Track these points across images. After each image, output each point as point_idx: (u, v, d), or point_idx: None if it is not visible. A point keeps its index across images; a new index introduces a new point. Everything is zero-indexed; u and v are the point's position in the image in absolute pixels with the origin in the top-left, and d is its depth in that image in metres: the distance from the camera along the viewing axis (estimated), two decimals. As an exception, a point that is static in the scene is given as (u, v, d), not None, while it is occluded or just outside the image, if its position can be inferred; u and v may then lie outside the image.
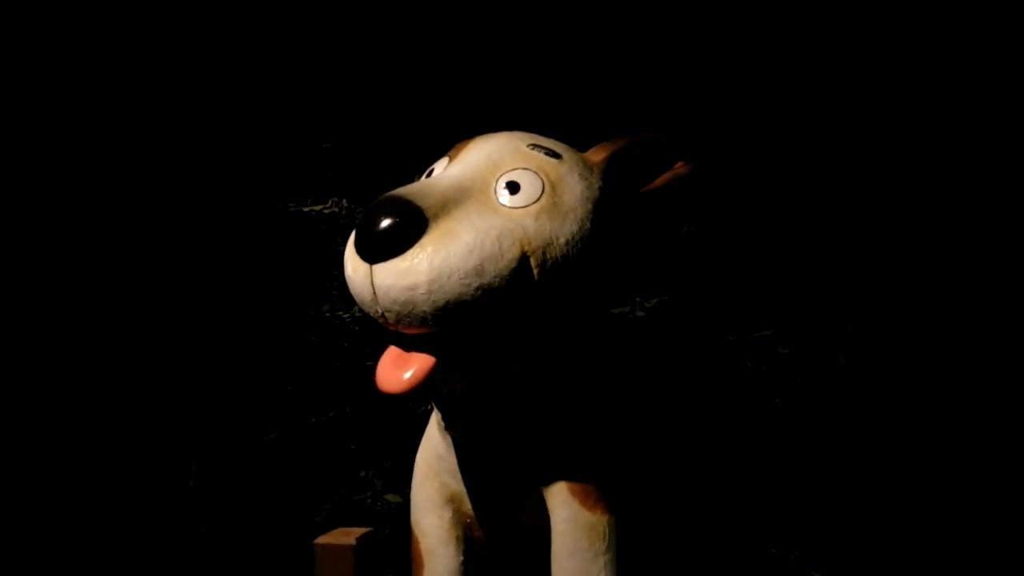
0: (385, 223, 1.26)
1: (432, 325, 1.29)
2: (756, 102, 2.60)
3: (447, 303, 1.26)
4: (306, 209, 2.78)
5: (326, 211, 2.75)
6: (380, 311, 1.30)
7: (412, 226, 1.26)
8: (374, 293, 1.28)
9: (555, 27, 2.77)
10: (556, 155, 1.44)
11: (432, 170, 1.48)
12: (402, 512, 2.22)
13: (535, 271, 1.33)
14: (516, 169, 1.39)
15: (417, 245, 1.25)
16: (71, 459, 2.89)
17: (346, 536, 1.74)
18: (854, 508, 2.30)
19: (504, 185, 1.37)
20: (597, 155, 1.50)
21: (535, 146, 1.44)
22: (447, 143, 1.55)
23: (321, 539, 1.76)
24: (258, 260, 2.94)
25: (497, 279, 1.28)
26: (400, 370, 1.32)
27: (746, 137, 2.54)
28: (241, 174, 2.98)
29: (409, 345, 1.33)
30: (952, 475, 2.35)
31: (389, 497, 2.57)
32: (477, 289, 1.27)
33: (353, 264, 1.31)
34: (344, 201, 2.74)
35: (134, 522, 2.87)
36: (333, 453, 2.72)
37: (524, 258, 1.31)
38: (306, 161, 2.86)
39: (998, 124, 2.47)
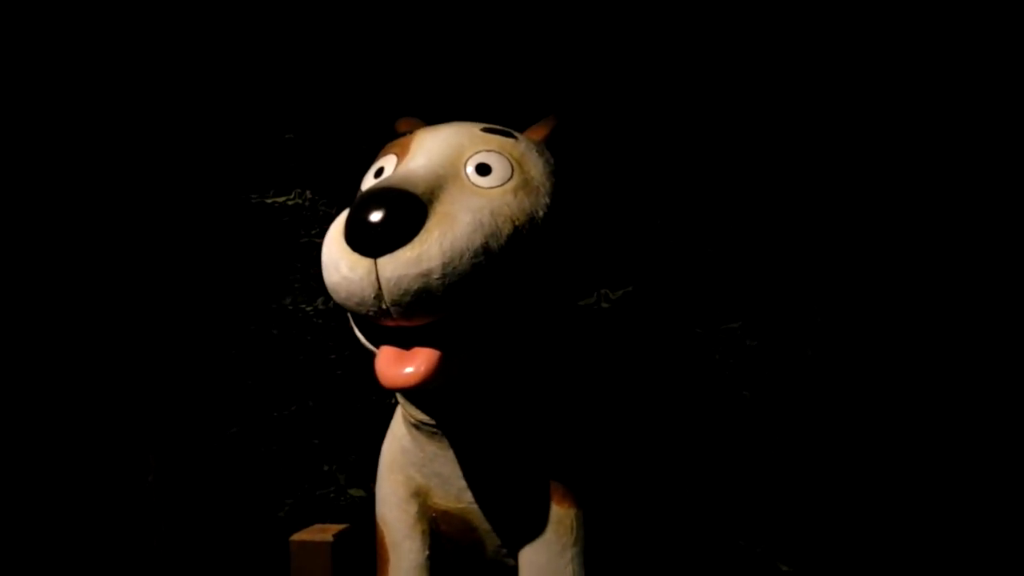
0: (386, 214, 1.25)
1: (444, 309, 1.28)
2: (722, 93, 2.60)
3: (461, 284, 1.26)
4: (269, 200, 2.74)
5: (289, 203, 2.72)
6: (386, 306, 1.28)
7: (414, 213, 1.26)
8: (379, 288, 1.26)
9: (511, 19, 2.77)
10: (511, 135, 1.48)
11: (381, 168, 1.48)
12: (366, 507, 2.20)
13: (526, 246, 1.34)
14: (481, 152, 1.41)
15: (423, 231, 1.25)
16: (27, 454, 2.84)
17: (323, 533, 1.73)
18: (822, 501, 2.31)
19: (474, 168, 1.38)
20: (538, 133, 1.54)
21: (489, 129, 1.47)
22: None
23: (297, 536, 1.73)
24: (220, 252, 2.90)
25: (501, 255, 1.29)
26: (405, 363, 1.31)
27: (716, 130, 2.54)
28: (203, 165, 2.95)
29: (410, 339, 1.32)
30: (919, 467, 2.36)
31: (353, 492, 2.55)
32: (486, 267, 1.27)
33: (349, 263, 1.28)
34: (308, 192, 2.71)
35: (92, 517, 2.82)
36: (296, 447, 2.70)
37: (517, 232, 1.33)
38: (269, 152, 2.83)
39: (960, 114, 2.50)
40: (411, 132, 1.52)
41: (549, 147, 1.51)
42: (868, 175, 2.50)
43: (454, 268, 1.25)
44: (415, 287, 1.24)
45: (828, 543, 2.28)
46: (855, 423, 2.35)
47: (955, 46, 2.50)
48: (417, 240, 1.24)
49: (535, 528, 1.51)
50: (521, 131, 1.54)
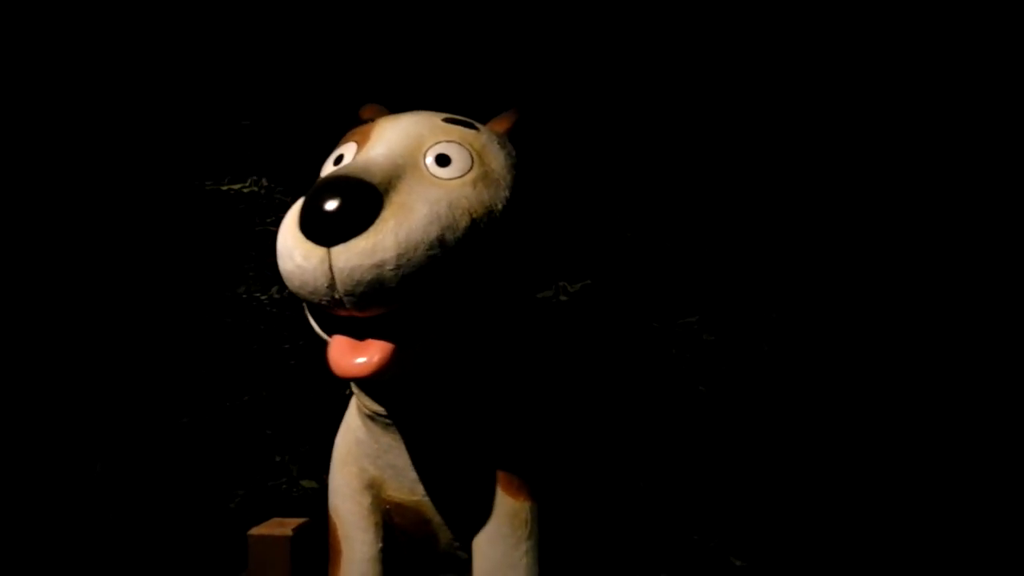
0: (341, 202, 1.23)
1: (397, 301, 1.26)
2: (677, 88, 2.61)
3: (415, 276, 1.25)
4: (224, 187, 2.70)
5: (245, 190, 2.68)
6: (338, 296, 1.26)
7: (369, 203, 1.24)
8: (332, 278, 1.24)
9: (474, 7, 2.76)
10: (472, 126, 1.47)
11: (341, 155, 1.47)
12: (318, 498, 2.18)
13: (483, 238, 1.33)
14: (441, 142, 1.40)
15: (379, 221, 1.23)
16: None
17: (281, 527, 1.69)
18: (776, 496, 2.32)
19: (433, 158, 1.37)
20: (500, 126, 1.53)
21: (451, 119, 1.47)
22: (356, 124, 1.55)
23: (256, 530, 1.70)
24: (173, 239, 2.86)
25: (457, 247, 1.28)
26: (358, 353, 1.29)
27: (673, 126, 2.55)
28: (157, 150, 2.90)
29: (362, 329, 1.31)
30: (873, 463, 2.39)
31: (305, 483, 2.53)
32: (442, 259, 1.26)
33: (304, 251, 1.26)
34: (264, 180, 2.68)
35: (38, 507, 2.77)
36: (248, 438, 2.67)
37: (474, 224, 1.32)
38: (225, 138, 2.79)
39: (919, 110, 2.53)
40: (373, 120, 1.51)
41: (511, 139, 1.51)
42: (824, 171, 2.52)
43: (409, 260, 1.23)
44: (368, 278, 1.23)
45: (782, 538, 2.29)
46: (809, 418, 2.37)
47: (921, 44, 2.53)
48: (372, 230, 1.23)
49: (489, 521, 1.51)
50: (484, 122, 1.53)
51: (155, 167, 2.90)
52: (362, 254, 1.22)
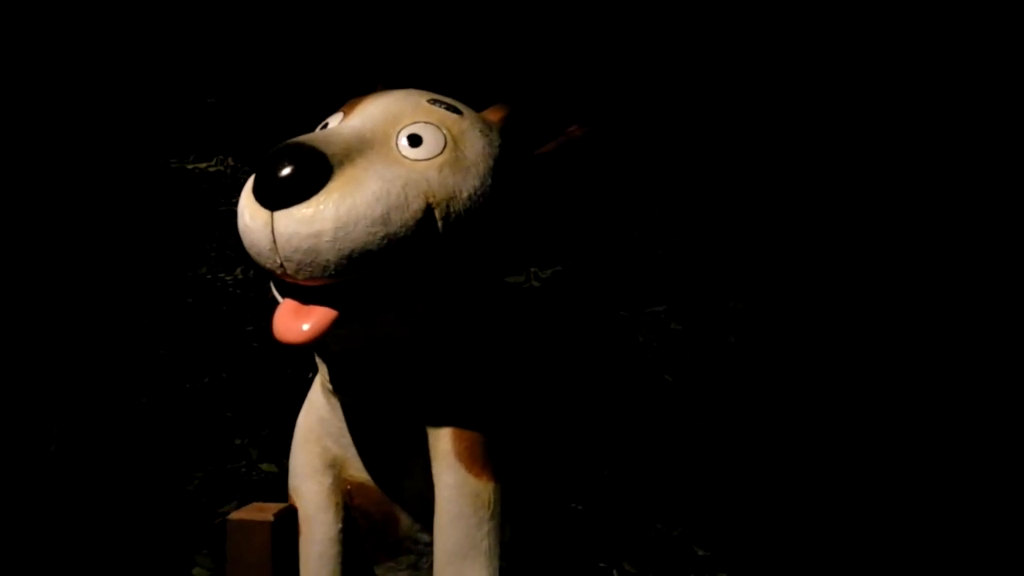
0: (289, 168, 1.23)
1: (334, 275, 1.26)
2: (649, 80, 2.62)
3: (352, 252, 1.24)
4: (189, 166, 2.67)
5: (211, 169, 2.65)
6: (279, 261, 1.26)
7: (317, 172, 1.23)
8: (274, 242, 1.24)
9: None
10: (457, 111, 1.45)
11: (327, 123, 1.47)
12: (278, 482, 2.16)
13: (439, 223, 1.32)
14: (417, 123, 1.38)
15: (323, 191, 1.23)
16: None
17: (262, 512, 1.66)
18: (740, 485, 2.33)
19: (406, 138, 1.36)
20: (495, 114, 1.53)
21: (436, 101, 1.45)
22: (337, 100, 1.53)
23: (236, 515, 1.66)
24: (136, 218, 2.83)
25: (403, 229, 1.27)
26: (300, 320, 1.29)
27: (644, 116, 2.56)
28: (122, 127, 2.87)
29: (307, 298, 1.30)
30: (836, 454, 2.41)
31: (264, 467, 2.50)
32: (383, 238, 1.25)
33: (251, 212, 1.27)
34: (230, 159, 2.65)
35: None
36: (208, 420, 2.64)
37: (429, 209, 1.31)
38: (190, 116, 2.76)
39: (878, 98, 2.56)
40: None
41: (502, 130, 1.50)
42: (792, 164, 2.54)
43: (346, 234, 1.23)
44: (305, 246, 1.23)
45: (745, 527, 2.31)
46: (774, 409, 2.38)
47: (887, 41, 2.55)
48: (315, 199, 1.22)
49: (451, 502, 1.50)
50: (481, 109, 1.52)
51: (119, 145, 2.87)
52: (301, 221, 1.22)
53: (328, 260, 1.23)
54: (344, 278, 1.27)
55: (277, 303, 1.36)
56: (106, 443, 2.78)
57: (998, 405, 2.46)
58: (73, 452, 2.76)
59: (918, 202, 2.54)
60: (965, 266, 2.51)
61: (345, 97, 1.54)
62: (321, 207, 1.22)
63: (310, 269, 1.25)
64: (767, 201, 2.52)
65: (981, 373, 2.48)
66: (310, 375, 1.81)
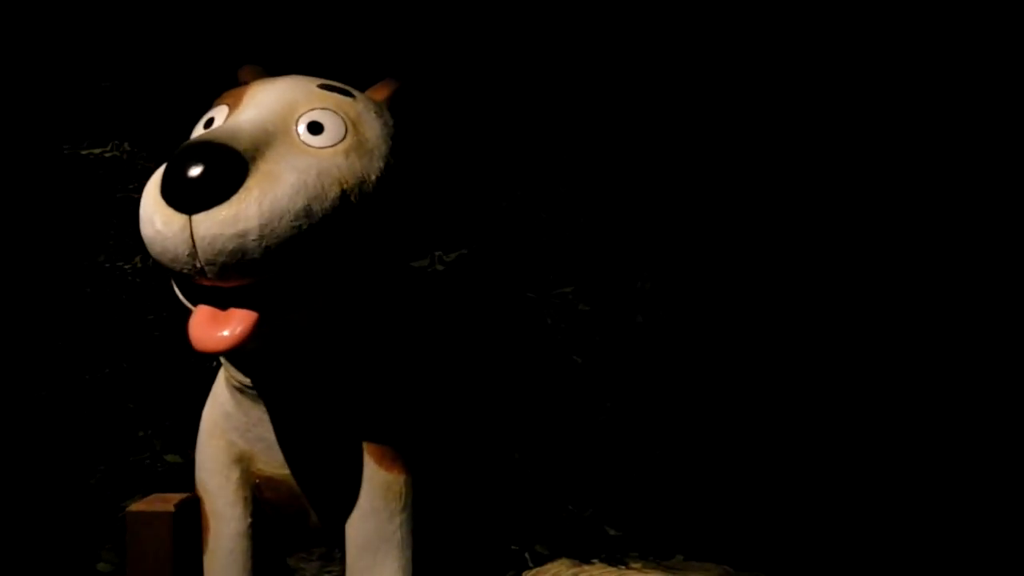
0: (204, 169, 1.19)
1: (261, 273, 1.23)
2: (551, 57, 2.62)
3: (279, 247, 1.22)
4: (84, 152, 2.60)
5: (106, 155, 2.59)
6: (199, 265, 1.22)
7: (234, 170, 1.21)
8: (193, 246, 1.20)
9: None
10: (349, 94, 1.44)
11: (211, 119, 1.43)
12: (183, 473, 2.14)
13: (354, 210, 1.31)
14: (315, 109, 1.37)
15: (242, 189, 1.20)
16: None
17: (163, 503, 1.62)
18: (649, 465, 2.37)
19: (305, 126, 1.34)
20: (379, 94, 1.51)
21: (326, 86, 1.44)
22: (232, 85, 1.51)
23: (135, 506, 1.63)
24: (29, 205, 2.75)
25: (325, 219, 1.26)
26: (219, 327, 1.26)
27: (547, 95, 2.56)
28: (11, 113, 2.77)
29: (226, 300, 1.27)
30: (744, 431, 2.47)
31: (169, 458, 2.47)
32: (308, 230, 1.24)
33: (163, 217, 1.22)
34: (126, 144, 2.58)
35: None
36: (109, 412, 2.58)
37: (344, 196, 1.30)
38: (84, 100, 2.68)
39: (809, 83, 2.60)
40: (248, 83, 1.46)
41: (390, 109, 1.49)
42: (699, 144, 2.57)
43: (272, 230, 1.21)
44: (230, 247, 1.20)
45: (656, 507, 2.35)
46: (682, 388, 2.42)
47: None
48: (235, 199, 1.19)
49: (362, 495, 1.50)
50: (363, 89, 1.51)
51: (9, 131, 2.77)
52: (224, 223, 1.19)
53: (255, 259, 1.21)
54: (269, 275, 1.25)
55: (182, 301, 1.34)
56: (4, 437, 2.70)
57: (917, 369, 2.52)
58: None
59: (822, 166, 2.58)
60: (875, 228, 2.57)
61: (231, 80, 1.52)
62: (244, 206, 1.19)
63: (235, 269, 1.22)
64: (672, 181, 2.55)
65: (897, 340, 2.54)
66: (214, 363, 1.79)
